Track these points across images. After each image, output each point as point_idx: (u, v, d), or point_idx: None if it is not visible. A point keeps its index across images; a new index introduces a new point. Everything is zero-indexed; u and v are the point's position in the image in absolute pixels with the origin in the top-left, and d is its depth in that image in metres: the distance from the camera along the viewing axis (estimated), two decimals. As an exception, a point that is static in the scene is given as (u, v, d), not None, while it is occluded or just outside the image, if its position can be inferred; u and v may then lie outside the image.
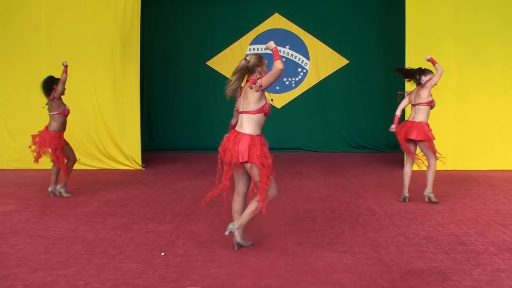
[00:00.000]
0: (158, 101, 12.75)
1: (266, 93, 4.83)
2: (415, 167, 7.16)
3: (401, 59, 9.74)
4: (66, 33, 9.77)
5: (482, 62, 9.26)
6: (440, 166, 6.98)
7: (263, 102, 4.72)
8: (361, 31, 12.30)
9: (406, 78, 7.15)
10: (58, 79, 7.17)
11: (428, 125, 6.76)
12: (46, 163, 9.64)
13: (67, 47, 9.67)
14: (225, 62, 12.51)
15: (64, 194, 7.30)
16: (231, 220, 4.93)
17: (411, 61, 9.48)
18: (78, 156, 7.65)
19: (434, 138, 6.73)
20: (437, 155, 6.75)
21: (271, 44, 4.69)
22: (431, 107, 6.78)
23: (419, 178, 8.56)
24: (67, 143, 7.35)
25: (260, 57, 4.82)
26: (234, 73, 4.77)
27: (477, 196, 7.17)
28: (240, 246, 4.83)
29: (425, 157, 6.85)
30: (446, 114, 9.11)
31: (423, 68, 6.94)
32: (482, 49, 9.43)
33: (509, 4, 9.47)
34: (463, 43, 9.42)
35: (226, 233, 4.79)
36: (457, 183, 8.03)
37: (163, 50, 12.56)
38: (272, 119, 5.81)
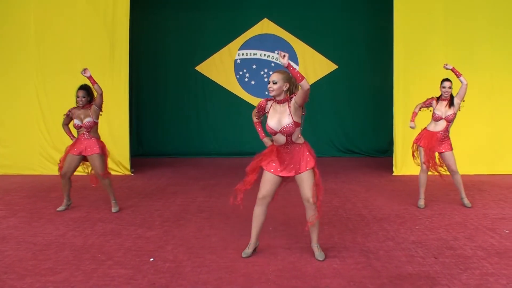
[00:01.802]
0: (146, 106, 12.72)
1: None
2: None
3: (390, 65, 9.80)
4: (55, 39, 9.74)
5: (471, 67, 9.29)
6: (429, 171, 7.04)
7: None
8: (349, 36, 12.36)
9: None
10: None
11: (423, 129, 6.96)
12: (35, 168, 9.63)
13: (56, 54, 9.65)
14: (214, 68, 12.54)
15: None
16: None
17: (400, 67, 9.55)
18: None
19: (420, 145, 6.90)
20: (418, 162, 7.00)
21: (285, 61, 4.34)
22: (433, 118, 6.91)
23: (408, 183, 8.61)
24: (92, 153, 6.73)
25: None
26: None
27: (465, 201, 7.20)
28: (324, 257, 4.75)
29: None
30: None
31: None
32: (471, 54, 9.48)
33: (497, 9, 9.54)
34: (451, 49, 9.46)
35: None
36: (445, 187, 8.06)
37: (152, 55, 12.56)
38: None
